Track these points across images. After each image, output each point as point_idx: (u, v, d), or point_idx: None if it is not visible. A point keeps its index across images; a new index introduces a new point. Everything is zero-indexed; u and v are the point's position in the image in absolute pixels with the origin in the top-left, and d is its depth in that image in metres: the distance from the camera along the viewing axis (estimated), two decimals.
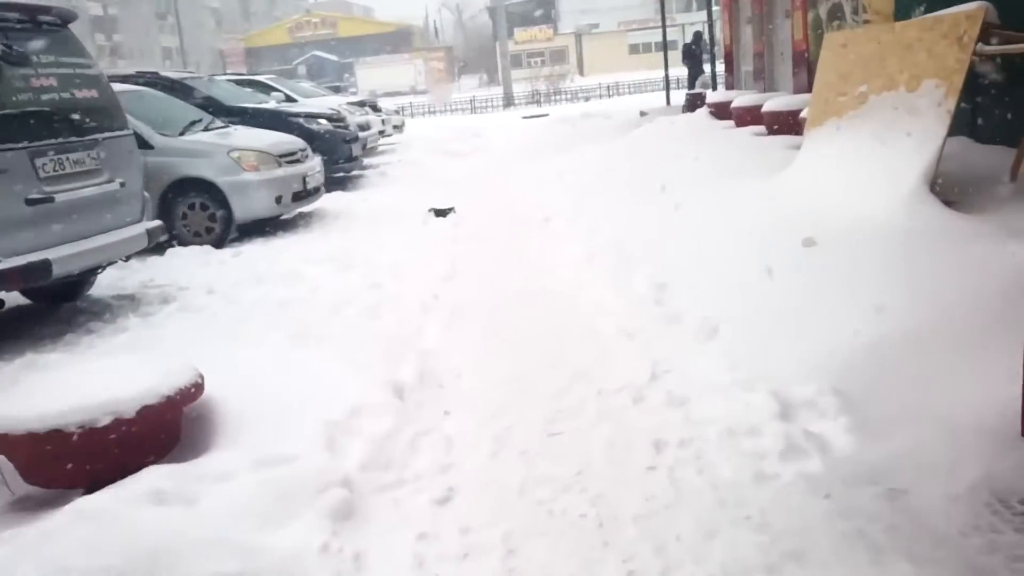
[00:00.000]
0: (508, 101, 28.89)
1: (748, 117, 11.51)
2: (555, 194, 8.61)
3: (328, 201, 9.66)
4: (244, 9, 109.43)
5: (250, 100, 11.07)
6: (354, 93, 57.37)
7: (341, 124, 11.30)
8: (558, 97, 28.86)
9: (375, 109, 16.51)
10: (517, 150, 14.48)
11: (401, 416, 3.21)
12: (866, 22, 10.33)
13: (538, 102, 28.33)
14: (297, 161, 8.24)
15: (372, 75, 57.05)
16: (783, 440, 2.76)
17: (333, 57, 68.83)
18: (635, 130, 14.02)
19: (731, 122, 12.41)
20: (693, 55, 21.91)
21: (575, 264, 5.42)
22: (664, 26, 19.73)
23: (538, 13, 61.73)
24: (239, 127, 8.85)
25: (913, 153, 4.98)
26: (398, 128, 18.63)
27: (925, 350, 3.09)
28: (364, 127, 13.64)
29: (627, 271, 4.87)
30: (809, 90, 12.73)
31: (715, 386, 3.23)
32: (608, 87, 28.53)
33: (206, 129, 8.30)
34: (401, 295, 5.08)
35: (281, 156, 8.00)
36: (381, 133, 16.57)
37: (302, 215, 8.74)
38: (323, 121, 10.93)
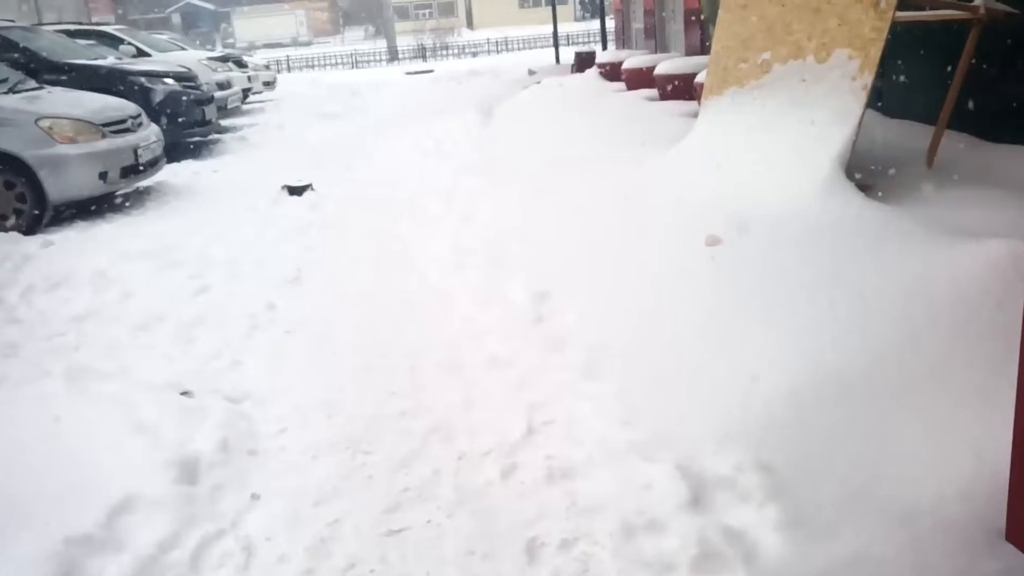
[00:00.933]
0: (392, 55, 27.46)
1: (640, 80, 10.90)
2: (429, 168, 7.73)
3: (172, 173, 8.46)
4: None
5: (83, 56, 9.59)
6: (231, 44, 54.20)
7: (191, 84, 9.98)
8: (445, 52, 27.61)
9: (240, 65, 15.02)
10: (395, 112, 13.41)
11: (186, 511, 2.34)
12: None
13: (423, 57, 27.02)
14: (127, 130, 7.02)
15: (251, 26, 53.82)
16: (695, 542, 2.07)
17: (209, 6, 64.63)
18: (522, 92, 13.20)
19: (622, 84, 11.78)
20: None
21: (444, 264, 4.59)
22: None
23: None
24: (56, 89, 7.51)
25: (826, 133, 4.38)
26: (269, 85, 17.17)
27: (867, 398, 2.45)
28: (224, 85, 12.29)
29: (503, 275, 4.10)
30: (703, 52, 12.27)
31: (607, 450, 2.51)
32: (497, 43, 27.48)
33: (12, 91, 6.96)
34: (229, 306, 4.15)
35: (106, 125, 6.77)
36: (247, 92, 15.15)
37: (137, 192, 7.52)
38: (169, 81, 9.60)
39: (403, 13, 51.82)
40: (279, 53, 32.25)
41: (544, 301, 3.68)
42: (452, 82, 19.04)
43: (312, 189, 6.81)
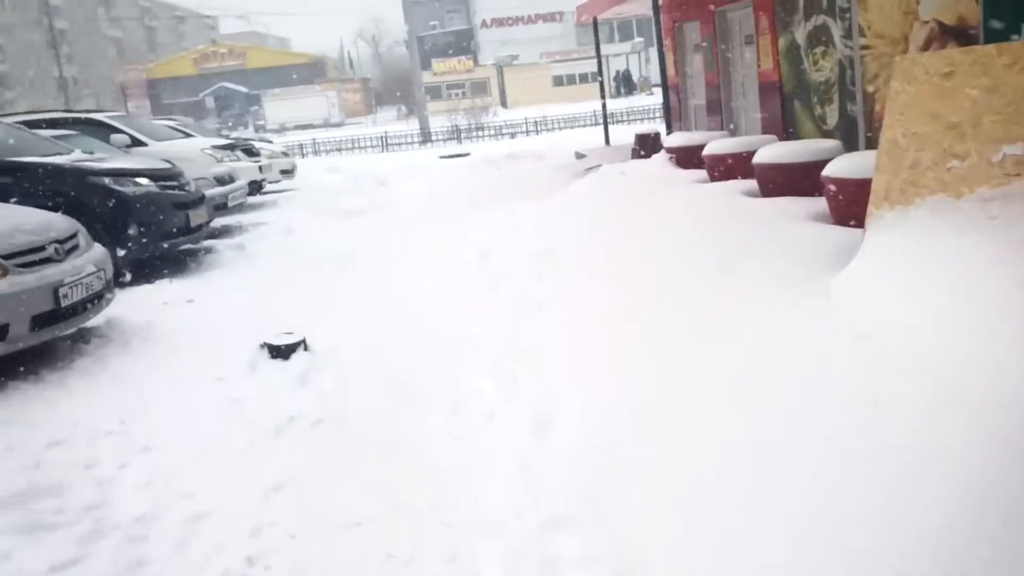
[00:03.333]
0: (425, 137, 25.89)
1: (729, 168, 8.80)
2: (473, 301, 5.58)
3: (134, 302, 6.41)
4: (150, 40, 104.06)
5: (37, 151, 7.71)
6: (262, 127, 53.77)
7: (173, 184, 8.03)
8: (480, 133, 25.99)
9: (249, 153, 13.21)
10: (428, 206, 11.42)
11: None
12: (864, 48, 7.74)
13: (458, 138, 25.40)
14: (47, 260, 4.97)
15: (282, 107, 53.44)
16: None
17: (242, 89, 65.10)
18: (576, 181, 11.16)
19: (700, 173, 9.71)
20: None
21: (509, 554, 2.36)
22: (599, 55, 17.03)
23: (456, 44, 59.25)
24: None
25: None
26: (287, 173, 15.39)
27: None
28: (224, 180, 10.40)
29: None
30: (786, 129, 10.18)
31: None
32: (536, 122, 25.80)
33: None
34: None
35: (9, 256, 4.73)
36: (259, 184, 13.32)
37: (58, 346, 5.40)
38: (143, 181, 7.65)
39: (435, 93, 51.10)
40: (308, 135, 30.98)
41: None
42: (490, 167, 17.17)
43: (305, 348, 4.65)
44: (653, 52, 54.74)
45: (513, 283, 5.88)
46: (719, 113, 13.17)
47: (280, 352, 4.55)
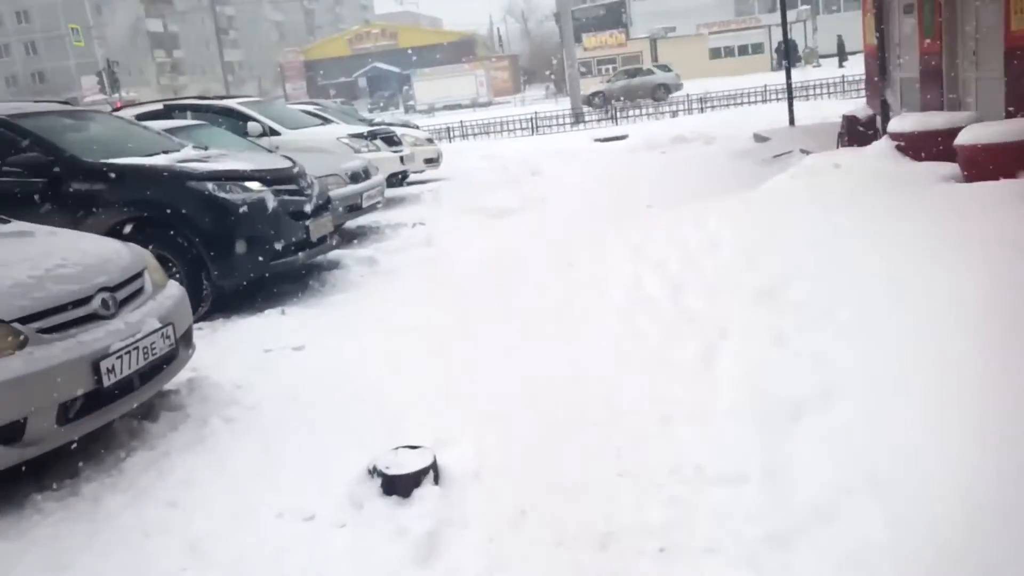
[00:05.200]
0: (577, 118, 24.02)
1: (1002, 166, 6.52)
2: (679, 378, 3.75)
3: (225, 350, 5.04)
4: (309, 22, 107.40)
5: (137, 149, 6.53)
6: (411, 107, 53.52)
7: (290, 187, 6.66)
8: (638, 112, 23.83)
9: (390, 142, 11.85)
10: (588, 204, 9.65)
11: None
12: None
13: (614, 118, 23.37)
14: (89, 319, 3.57)
15: (431, 87, 52.97)
16: None
17: (395, 68, 65.53)
18: (770, 174, 9.01)
19: (943, 167, 7.48)
20: None
21: None
22: (785, 22, 14.53)
23: (607, 18, 56.70)
24: (8, 228, 4.27)
25: None
26: (431, 162, 14.01)
27: None
28: (359, 176, 9.02)
29: None
30: None
31: None
32: (700, 99, 23.33)
33: None
34: None
35: (34, 318, 3.33)
36: (401, 175, 11.98)
37: (110, 428, 4.01)
38: (253, 186, 6.30)
39: (586, 69, 48.96)
40: (455, 117, 29.84)
41: None
42: (654, 152, 15.14)
43: (435, 478, 2.99)
44: (821, 20, 50.18)
45: (736, 348, 4.01)
46: (938, 87, 10.58)
47: (397, 486, 2.91)
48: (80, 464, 3.54)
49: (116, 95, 41.31)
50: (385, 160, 11.28)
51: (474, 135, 23.83)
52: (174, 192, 6.01)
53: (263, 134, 10.82)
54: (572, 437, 3.29)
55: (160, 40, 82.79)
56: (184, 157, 6.56)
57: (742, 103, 23.42)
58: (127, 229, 5.97)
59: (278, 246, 6.36)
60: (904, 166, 7.88)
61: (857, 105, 13.35)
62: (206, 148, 7.46)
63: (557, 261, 6.83)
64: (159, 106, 11.08)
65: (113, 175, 6.04)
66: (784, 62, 15.07)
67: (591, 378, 3.93)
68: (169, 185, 6.04)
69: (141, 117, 10.58)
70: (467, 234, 8.39)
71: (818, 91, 21.99)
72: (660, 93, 18.78)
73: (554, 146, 17.71)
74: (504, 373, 4.17)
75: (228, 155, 7.09)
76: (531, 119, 23.24)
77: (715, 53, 51.92)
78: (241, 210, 6.13)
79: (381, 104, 59.12)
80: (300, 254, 6.59)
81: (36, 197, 5.84)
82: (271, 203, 6.35)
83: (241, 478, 3.33)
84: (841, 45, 40.05)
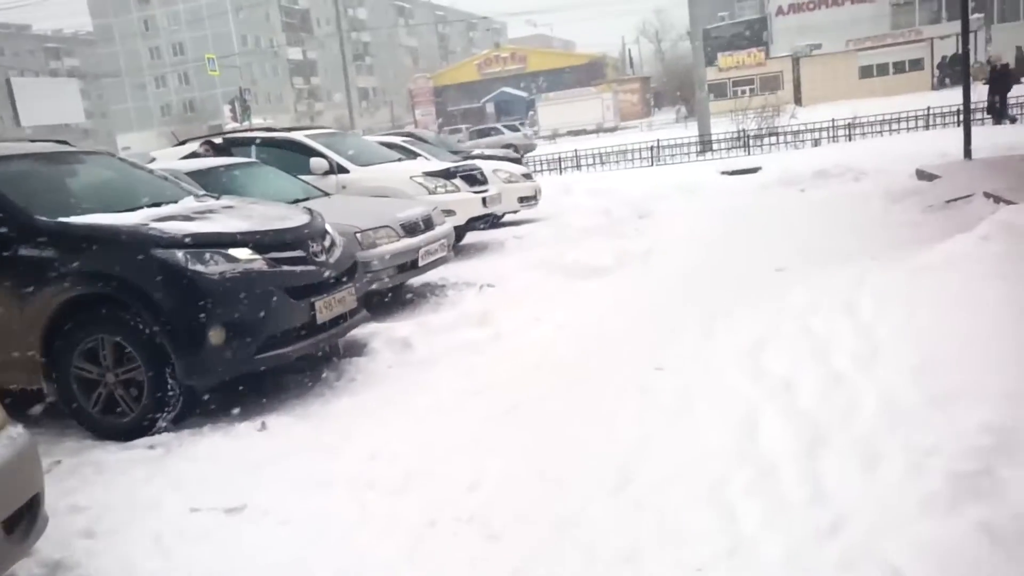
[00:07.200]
0: (704, 145, 21.81)
1: None
2: None
3: (125, 512, 3.51)
4: (443, 47, 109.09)
5: (122, 199, 5.21)
6: (535, 132, 52.33)
7: (293, 253, 5.13)
8: (774, 140, 21.34)
9: (472, 181, 10.27)
10: (701, 263, 7.69)
11: None
12: None
13: (745, 146, 21.01)
14: None
15: (555, 112, 51.68)
16: None
17: (522, 93, 65.08)
18: (955, 237, 6.64)
19: None
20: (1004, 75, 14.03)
21: None
22: (966, 30, 11.94)
23: (748, 35, 53.61)
24: None
25: None
26: (527, 201, 12.35)
27: None
28: (415, 227, 7.44)
29: None
30: None
31: None
32: (848, 125, 20.57)
33: None
34: None
35: None
36: (490, 219, 10.43)
37: None
38: (240, 253, 4.81)
39: (719, 90, 46.16)
40: (572, 144, 28.20)
41: None
42: (791, 190, 12.86)
43: None
44: (995, 30, 45.13)
45: None
46: None
47: None
48: None
49: (247, 122, 42.40)
50: (463, 202, 9.72)
51: (588, 165, 22.05)
52: (133, 261, 4.60)
53: (329, 171, 9.52)
54: None
55: (299, 67, 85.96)
56: (170, 213, 5.16)
57: (899, 129, 20.48)
58: (76, 308, 4.65)
59: (269, 334, 4.84)
60: None
61: None
62: (218, 197, 6.10)
63: (640, 360, 4.97)
64: (218, 140, 10.00)
65: (66, 238, 4.72)
66: (962, 79, 12.49)
67: None
68: (129, 252, 4.63)
69: (192, 155, 9.54)
70: (538, 305, 6.64)
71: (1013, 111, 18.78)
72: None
73: (675, 179, 15.67)
74: None
75: (236, 208, 5.67)
76: (652, 148, 21.23)
77: (866, 72, 47.87)
78: (219, 286, 4.64)
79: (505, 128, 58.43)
80: (300, 343, 5.03)
81: None
82: (263, 276, 4.84)
83: None
84: (1021, 59, 35.52)
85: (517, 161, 15.38)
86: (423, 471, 3.70)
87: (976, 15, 43.19)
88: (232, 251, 4.84)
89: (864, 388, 3.82)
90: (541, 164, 22.22)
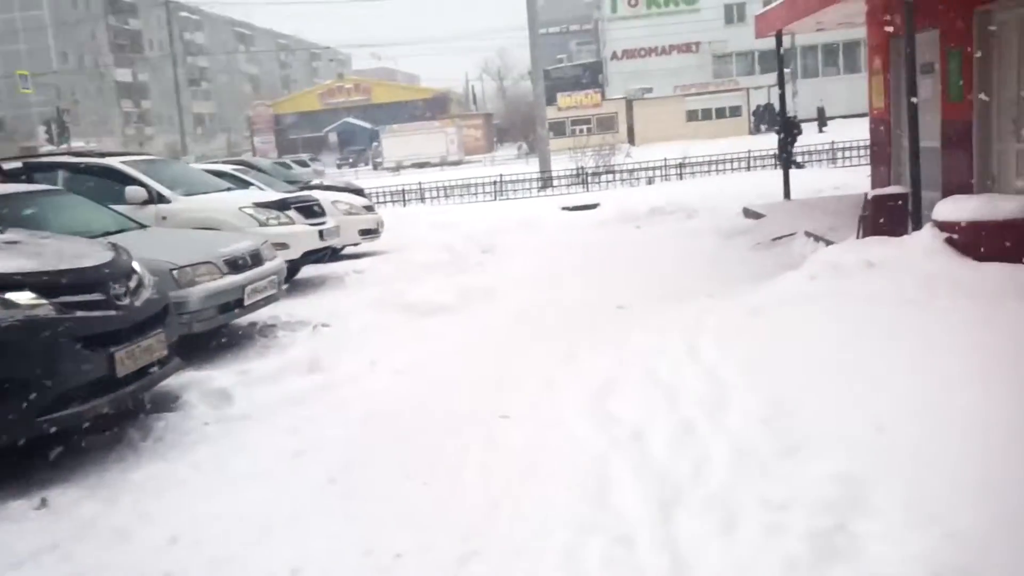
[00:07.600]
0: (545, 181, 22.14)
1: None
2: None
3: None
4: (285, 76, 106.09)
5: None
6: (379, 164, 51.66)
7: (90, 296, 4.45)
8: (611, 177, 21.99)
9: (308, 213, 9.72)
10: (542, 305, 7.53)
11: None
12: None
13: (584, 182, 21.51)
14: None
15: (399, 143, 51.31)
16: None
17: (366, 124, 64.11)
18: (785, 276, 6.84)
19: (1012, 269, 5.55)
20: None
21: None
22: (782, 79, 12.74)
23: (585, 77, 55.69)
24: None
25: None
26: (369, 234, 11.90)
27: None
28: (241, 263, 6.81)
29: None
30: None
31: None
32: (679, 165, 21.52)
33: None
34: None
35: None
36: (326, 252, 9.89)
37: None
38: (20, 298, 4.09)
39: (559, 129, 47.40)
40: (416, 177, 27.90)
41: None
42: (627, 227, 13.14)
43: None
44: (801, 84, 49.44)
45: None
46: (966, 159, 8.76)
47: None
48: None
49: (64, 145, 39.11)
50: (298, 235, 9.14)
51: (432, 198, 21.81)
52: None
53: (148, 201, 8.69)
54: None
55: (128, 90, 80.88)
56: None
57: (725, 170, 21.66)
58: None
59: (55, 392, 4.14)
60: (964, 269, 5.86)
61: (861, 178, 11.51)
62: (2, 231, 5.28)
63: (484, 407, 4.67)
64: (17, 164, 8.90)
65: None
66: (777, 128, 13.25)
67: None
68: None
69: None
70: (375, 347, 6.21)
71: (804, 159, 20.28)
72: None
73: (517, 214, 15.70)
74: None
75: (21, 244, 4.90)
76: (495, 182, 21.31)
77: (692, 115, 50.85)
78: None
79: (351, 160, 57.42)
80: (95, 401, 4.34)
81: None
82: (49, 324, 4.15)
83: None
84: (821, 111, 39.09)
85: (359, 192, 14.86)
86: (232, 558, 3.18)
87: (786, 70, 47.14)
88: (9, 295, 4.12)
89: (713, 437, 3.70)
90: (385, 196, 21.76)
